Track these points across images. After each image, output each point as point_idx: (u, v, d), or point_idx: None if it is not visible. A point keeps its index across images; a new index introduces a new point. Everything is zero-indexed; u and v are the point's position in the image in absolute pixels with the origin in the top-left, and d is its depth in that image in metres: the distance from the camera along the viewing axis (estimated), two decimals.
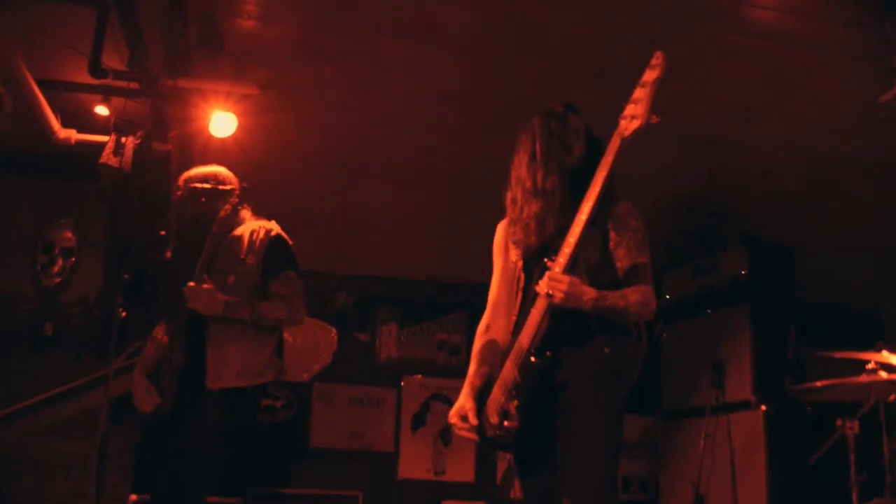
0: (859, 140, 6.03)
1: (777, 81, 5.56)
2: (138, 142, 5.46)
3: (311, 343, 8.03)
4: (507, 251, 3.51)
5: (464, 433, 3.31)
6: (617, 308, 3.08)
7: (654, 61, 3.00)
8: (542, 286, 3.02)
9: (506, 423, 3.17)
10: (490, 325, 3.51)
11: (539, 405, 3.14)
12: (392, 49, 5.44)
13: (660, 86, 2.97)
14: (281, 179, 6.71)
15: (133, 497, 6.14)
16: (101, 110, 5.52)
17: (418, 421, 7.88)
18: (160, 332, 4.30)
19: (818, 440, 5.16)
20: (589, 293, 3.03)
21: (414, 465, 7.82)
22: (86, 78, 5.17)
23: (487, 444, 3.31)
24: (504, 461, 8.00)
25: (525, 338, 3.11)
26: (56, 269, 7.27)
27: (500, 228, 3.58)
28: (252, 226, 4.34)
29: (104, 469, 4.17)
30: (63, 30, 5.15)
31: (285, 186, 6.83)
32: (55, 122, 5.53)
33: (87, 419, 6.17)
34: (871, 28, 4.87)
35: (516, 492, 3.45)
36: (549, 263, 3.06)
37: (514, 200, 3.35)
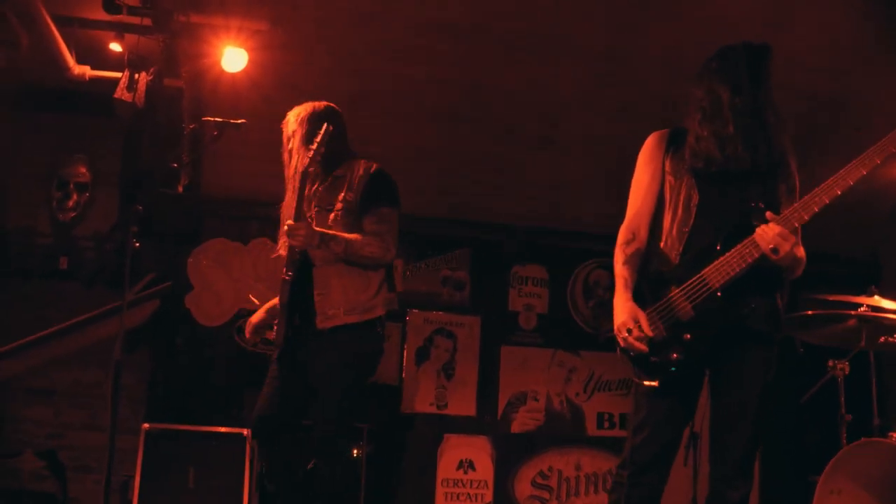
0: (854, 80, 6.04)
1: (771, 21, 5.58)
2: (151, 77, 5.54)
3: None
4: (658, 162, 3.45)
5: (634, 342, 3.18)
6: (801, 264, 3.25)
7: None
8: (767, 239, 3.06)
9: (674, 354, 3.18)
10: (636, 233, 3.41)
11: (708, 346, 3.18)
12: None
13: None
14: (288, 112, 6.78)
15: (146, 426, 6.28)
16: (115, 47, 5.58)
17: (422, 355, 8.00)
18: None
19: (809, 381, 5.27)
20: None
21: (418, 398, 7.96)
22: (100, 14, 5.22)
23: (643, 363, 3.25)
24: (507, 395, 8.21)
25: (716, 277, 3.14)
26: (71, 203, 7.37)
27: (654, 137, 3.53)
28: (353, 164, 4.33)
29: (118, 399, 4.29)
30: None
31: None
32: (70, 59, 5.59)
33: (99, 350, 6.31)
34: None
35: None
36: (770, 216, 3.10)
37: (711, 116, 3.32)
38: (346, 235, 4.11)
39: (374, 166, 4.29)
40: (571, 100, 6.64)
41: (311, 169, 4.11)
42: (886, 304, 4.88)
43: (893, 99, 5.91)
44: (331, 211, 4.22)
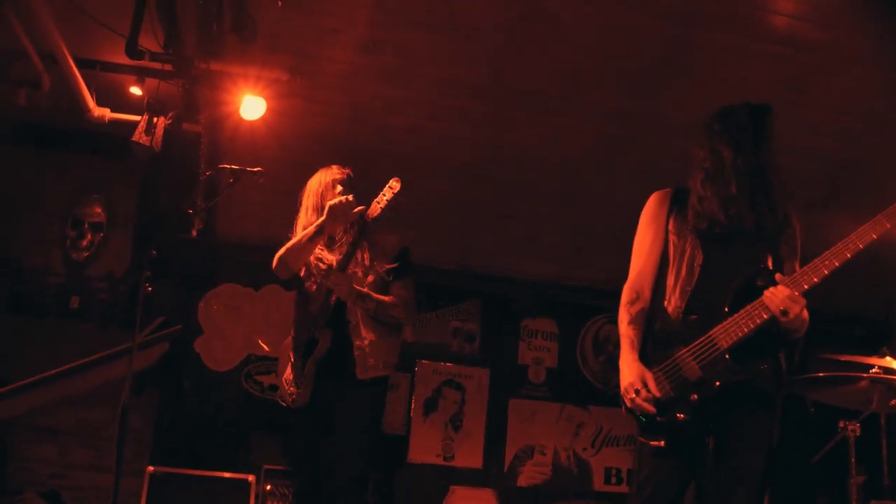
0: (871, 146, 6.07)
1: (791, 86, 5.63)
2: (169, 122, 5.59)
3: None
4: (661, 222, 3.48)
5: (642, 403, 3.17)
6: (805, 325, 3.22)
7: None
8: (777, 302, 3.07)
9: (680, 415, 3.17)
10: (639, 293, 3.43)
11: (715, 406, 3.16)
12: (420, 39, 5.54)
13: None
14: (306, 162, 6.80)
15: (150, 468, 6.26)
16: (135, 90, 5.64)
17: (430, 406, 7.98)
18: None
19: (820, 441, 5.23)
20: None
21: (424, 449, 7.92)
22: (122, 58, 5.28)
23: (650, 423, 3.23)
24: (514, 448, 8.17)
25: (725, 338, 3.14)
26: (85, 243, 7.42)
27: (657, 197, 3.56)
28: (383, 231, 4.64)
29: (125, 440, 4.28)
30: (103, 11, 5.26)
31: (310, 169, 6.93)
32: (90, 101, 5.65)
33: (107, 391, 6.30)
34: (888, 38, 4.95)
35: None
36: (780, 277, 3.13)
37: (711, 175, 3.36)
38: (379, 297, 4.45)
39: (401, 238, 4.68)
40: (587, 159, 6.69)
41: (369, 221, 4.47)
42: None
43: None
44: (369, 274, 4.50)
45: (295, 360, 4.52)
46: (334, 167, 4.77)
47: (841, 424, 4.94)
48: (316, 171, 4.78)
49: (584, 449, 8.27)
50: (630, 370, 3.26)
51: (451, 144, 6.60)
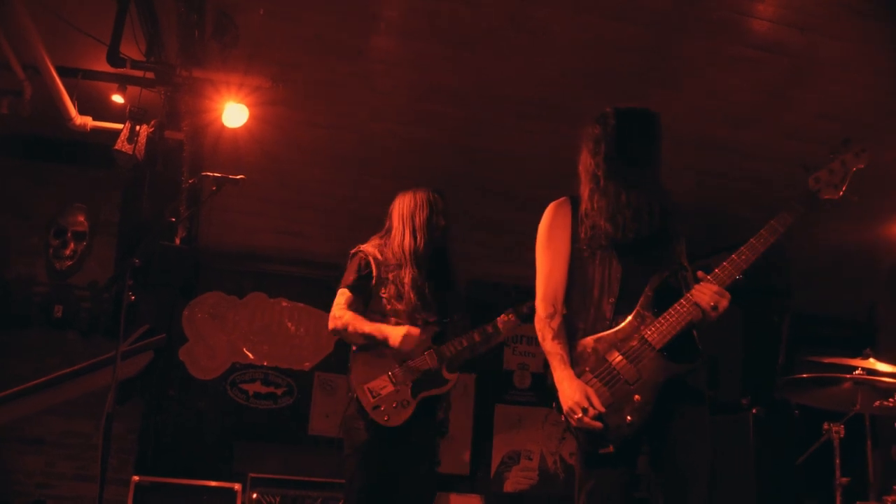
0: None
1: (773, 91, 5.65)
2: (152, 130, 5.57)
3: (314, 333, 8.16)
4: (566, 232, 3.50)
5: (590, 422, 3.15)
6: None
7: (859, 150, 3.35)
8: (706, 298, 3.16)
9: (628, 417, 3.17)
10: (555, 306, 3.42)
11: (655, 406, 3.19)
12: (398, 45, 5.54)
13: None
14: (289, 170, 6.82)
15: (135, 478, 6.23)
16: (117, 99, 5.62)
17: None
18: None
19: (805, 443, 5.25)
20: None
21: None
22: (104, 66, 5.26)
23: (600, 436, 3.20)
24: (501, 454, 8.16)
25: (657, 338, 3.19)
26: (68, 252, 7.40)
27: (556, 210, 3.59)
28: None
29: (109, 450, 4.27)
30: (83, 19, 5.25)
31: (293, 176, 6.93)
32: (72, 109, 5.62)
33: (92, 400, 6.29)
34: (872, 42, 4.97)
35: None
36: (701, 275, 3.22)
37: (601, 189, 3.43)
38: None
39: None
40: (571, 165, 6.68)
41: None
42: (881, 366, 4.86)
43: (892, 168, 5.96)
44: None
45: (402, 381, 4.47)
46: (425, 192, 4.74)
47: (825, 426, 4.96)
48: (406, 192, 4.73)
49: (571, 454, 8.27)
50: (570, 388, 3.22)
51: (435, 151, 6.60)
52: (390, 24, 5.36)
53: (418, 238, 4.54)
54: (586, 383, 3.23)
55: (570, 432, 3.32)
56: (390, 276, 4.50)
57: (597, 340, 3.29)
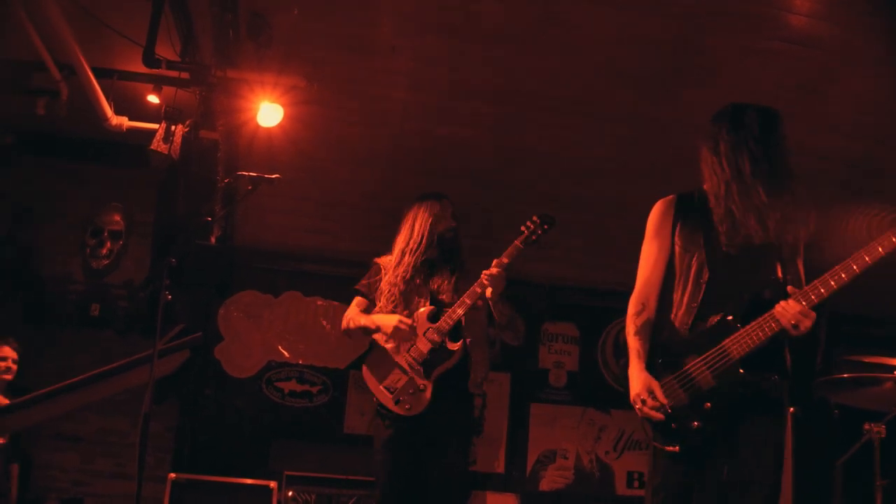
0: (888, 145, 6.01)
1: (809, 86, 5.58)
2: (187, 130, 5.59)
3: None
4: (667, 231, 3.51)
5: (650, 412, 3.26)
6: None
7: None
8: (788, 316, 3.08)
9: (695, 423, 3.21)
10: (645, 304, 3.48)
11: (727, 415, 3.19)
12: (431, 43, 5.52)
13: None
14: (323, 168, 6.82)
15: (172, 475, 6.27)
16: (153, 99, 5.64)
17: None
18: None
19: (845, 444, 5.18)
20: None
21: None
22: (139, 67, 5.29)
23: (668, 433, 3.28)
24: (536, 452, 8.14)
25: (737, 349, 3.17)
26: (104, 251, 7.46)
27: (661, 207, 3.59)
28: None
29: (146, 448, 4.29)
30: (119, 21, 5.28)
31: (327, 175, 6.94)
32: (108, 110, 5.65)
33: (128, 398, 6.32)
34: None
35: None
36: (791, 290, 3.13)
37: (727, 193, 3.35)
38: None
39: None
40: (603, 162, 6.65)
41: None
42: None
43: None
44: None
45: (412, 368, 4.58)
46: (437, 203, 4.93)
47: (866, 426, 4.90)
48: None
49: (607, 453, 8.24)
50: (637, 380, 3.34)
51: (467, 149, 6.59)
52: (424, 23, 5.35)
53: (414, 247, 4.76)
54: (664, 383, 3.28)
55: (645, 421, 3.37)
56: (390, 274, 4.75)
57: (678, 343, 3.32)
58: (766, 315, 3.15)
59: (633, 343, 3.43)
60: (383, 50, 5.56)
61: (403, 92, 5.97)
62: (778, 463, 3.24)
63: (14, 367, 5.92)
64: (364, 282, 4.87)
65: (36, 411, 5.61)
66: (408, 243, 4.75)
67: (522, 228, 4.60)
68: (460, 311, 4.50)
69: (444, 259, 4.80)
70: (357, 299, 4.85)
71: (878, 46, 5.14)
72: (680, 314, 3.35)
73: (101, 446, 7.30)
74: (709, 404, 3.20)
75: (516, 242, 4.59)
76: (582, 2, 5.08)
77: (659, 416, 3.23)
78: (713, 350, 3.21)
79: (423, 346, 4.54)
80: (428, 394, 4.47)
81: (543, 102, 6.01)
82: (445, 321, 4.53)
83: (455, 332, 4.56)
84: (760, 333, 3.14)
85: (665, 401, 3.24)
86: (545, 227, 4.53)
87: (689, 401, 3.23)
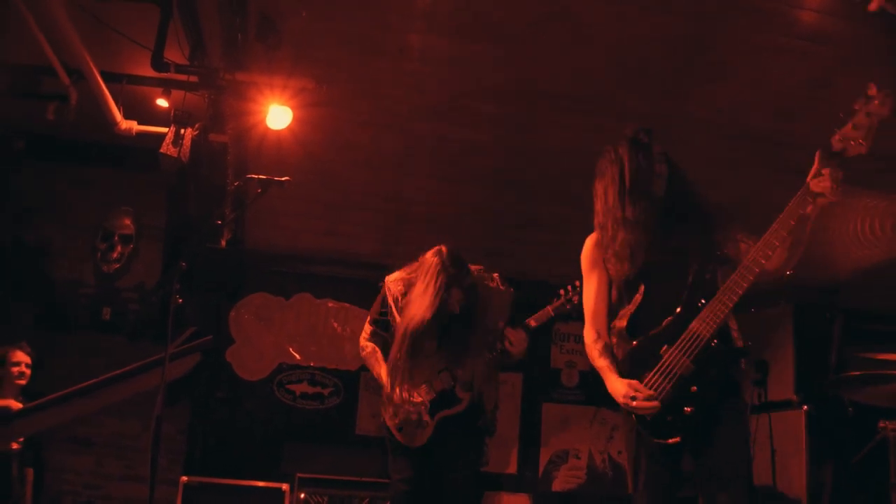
0: None
1: (818, 82, 5.56)
2: (196, 133, 5.59)
3: (360, 333, 8.15)
4: (599, 265, 3.65)
5: (644, 403, 3.29)
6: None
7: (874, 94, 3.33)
8: (825, 185, 3.25)
9: (687, 408, 3.25)
10: (599, 332, 3.62)
11: (714, 394, 3.26)
12: (440, 44, 5.52)
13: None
14: (333, 170, 6.82)
15: (184, 478, 6.28)
16: (162, 102, 5.65)
17: None
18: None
19: (860, 441, 5.16)
20: None
21: None
22: (148, 71, 5.29)
23: (664, 427, 3.32)
24: (548, 453, 8.12)
25: (706, 328, 3.23)
26: (115, 255, 7.47)
27: (590, 243, 3.71)
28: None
29: (158, 451, 4.30)
30: (128, 25, 5.28)
31: (337, 177, 6.94)
32: (118, 114, 5.66)
33: (139, 401, 6.33)
34: None
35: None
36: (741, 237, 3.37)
37: (603, 227, 3.57)
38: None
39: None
40: None
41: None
42: None
43: None
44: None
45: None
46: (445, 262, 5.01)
47: (881, 424, 4.88)
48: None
49: (619, 452, 8.21)
50: (618, 385, 3.42)
51: (477, 149, 6.58)
52: (432, 23, 5.34)
53: (427, 309, 4.78)
54: (647, 381, 3.31)
55: (638, 429, 3.40)
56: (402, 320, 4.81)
57: (647, 338, 3.39)
58: (723, 287, 3.24)
59: (602, 363, 3.54)
60: (392, 51, 5.55)
61: (413, 93, 5.96)
62: (745, 447, 3.34)
63: (28, 371, 5.92)
64: (375, 314, 5.07)
65: (49, 415, 5.62)
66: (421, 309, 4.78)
67: (561, 292, 5.11)
68: (479, 366, 4.71)
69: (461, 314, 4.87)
70: (370, 329, 5.08)
71: (888, 41, 5.11)
72: (637, 322, 3.47)
73: (114, 449, 7.32)
74: (695, 388, 3.25)
75: (548, 309, 4.73)
76: (590, 2, 5.07)
77: (654, 403, 3.27)
78: (683, 336, 3.27)
79: (437, 386, 4.69)
80: (429, 431, 4.61)
81: (554, 101, 5.99)
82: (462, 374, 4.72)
83: (467, 382, 4.73)
84: (722, 308, 3.22)
85: (650, 392, 3.28)
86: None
87: (676, 390, 3.26)
